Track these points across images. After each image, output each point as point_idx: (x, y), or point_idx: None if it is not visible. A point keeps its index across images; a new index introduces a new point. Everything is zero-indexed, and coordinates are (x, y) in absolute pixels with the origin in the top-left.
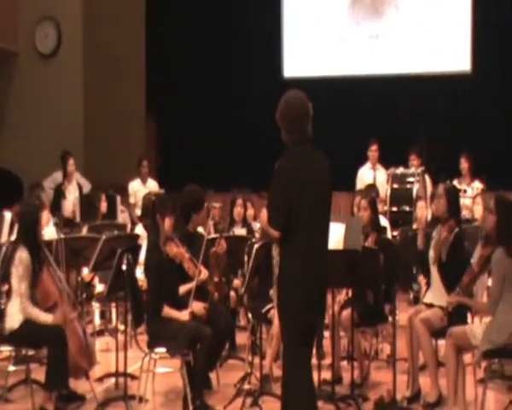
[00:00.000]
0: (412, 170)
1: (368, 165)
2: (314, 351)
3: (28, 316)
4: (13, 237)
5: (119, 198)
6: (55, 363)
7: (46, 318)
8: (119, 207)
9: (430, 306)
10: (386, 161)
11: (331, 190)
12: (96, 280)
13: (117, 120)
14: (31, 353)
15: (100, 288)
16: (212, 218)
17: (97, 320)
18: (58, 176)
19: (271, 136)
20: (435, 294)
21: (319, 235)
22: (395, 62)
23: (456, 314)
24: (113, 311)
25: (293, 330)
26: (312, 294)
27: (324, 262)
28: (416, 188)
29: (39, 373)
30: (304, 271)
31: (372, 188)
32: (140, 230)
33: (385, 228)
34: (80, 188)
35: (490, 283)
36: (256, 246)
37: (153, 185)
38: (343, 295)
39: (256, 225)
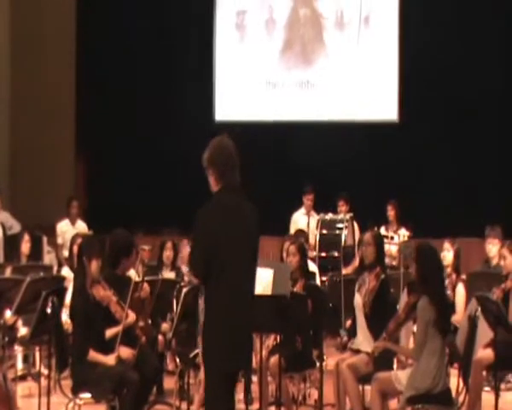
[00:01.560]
0: (341, 216)
1: (302, 210)
2: (242, 396)
3: None
4: None
5: (45, 239)
6: None
7: None
8: (46, 247)
9: (357, 352)
10: (318, 206)
11: (258, 237)
12: (20, 323)
13: (46, 157)
14: None
15: (23, 331)
16: (141, 261)
17: (20, 365)
18: None
19: (203, 178)
20: (362, 340)
21: (243, 281)
22: (325, 109)
23: (382, 360)
24: (37, 355)
25: (216, 376)
26: (236, 340)
27: (248, 308)
28: (344, 234)
29: None
30: (227, 316)
31: (301, 233)
32: (66, 271)
33: (314, 273)
34: (4, 228)
35: (415, 329)
36: (184, 290)
37: (82, 227)
38: (271, 340)
39: (185, 269)
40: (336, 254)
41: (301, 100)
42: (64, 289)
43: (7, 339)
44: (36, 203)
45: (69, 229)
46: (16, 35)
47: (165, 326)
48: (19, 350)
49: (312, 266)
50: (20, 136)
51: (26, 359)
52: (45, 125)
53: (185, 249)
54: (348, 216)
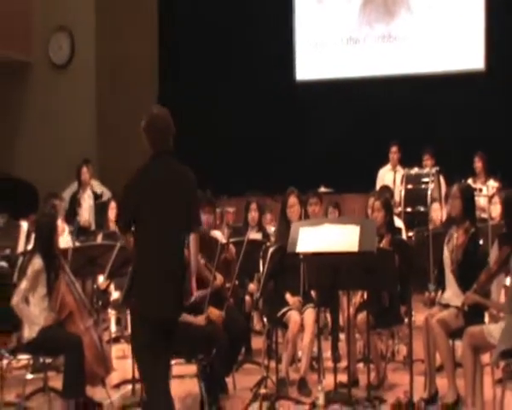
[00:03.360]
0: (426, 170)
1: (388, 166)
2: (329, 354)
3: (18, 312)
4: (29, 247)
5: None
6: (72, 371)
7: (35, 319)
8: None
9: (446, 307)
10: (404, 161)
11: (185, 200)
12: (112, 287)
13: (131, 126)
14: (48, 361)
15: (116, 295)
16: (226, 223)
17: (113, 327)
18: (75, 185)
19: (284, 139)
20: (451, 294)
21: (159, 238)
22: (408, 62)
23: (473, 314)
24: (129, 317)
25: (140, 330)
26: (148, 288)
27: (163, 264)
28: (430, 188)
29: (57, 381)
30: (142, 265)
31: (386, 189)
32: None
33: (400, 229)
34: (95, 196)
35: (507, 282)
36: (271, 250)
37: None
38: (358, 297)
39: (271, 229)
40: (422, 209)
41: (383, 54)
42: None
43: (100, 303)
44: (122, 173)
45: None
46: (100, 8)
47: (252, 287)
48: (112, 313)
49: (398, 222)
50: (106, 106)
51: (119, 322)
52: (129, 96)
53: (268, 210)
54: (434, 170)
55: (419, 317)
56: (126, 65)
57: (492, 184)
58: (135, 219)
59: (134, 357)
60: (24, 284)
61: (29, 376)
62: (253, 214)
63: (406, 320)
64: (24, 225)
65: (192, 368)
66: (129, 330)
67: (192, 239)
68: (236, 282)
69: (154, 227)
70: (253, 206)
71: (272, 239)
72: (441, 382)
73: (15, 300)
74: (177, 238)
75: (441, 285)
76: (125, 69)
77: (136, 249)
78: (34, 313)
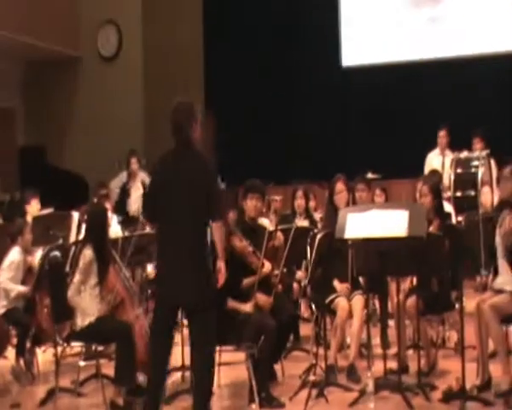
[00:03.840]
0: (476, 154)
1: (436, 150)
2: (378, 341)
3: (73, 304)
4: (80, 237)
5: None
6: (123, 359)
7: (87, 309)
8: None
9: (499, 292)
10: (454, 145)
11: (202, 188)
12: None
13: None
14: (100, 348)
15: None
16: (273, 211)
17: None
18: (124, 176)
19: (332, 126)
20: (504, 280)
21: (177, 226)
22: (456, 44)
23: None
24: None
25: (156, 315)
26: (164, 277)
27: (179, 253)
28: (480, 172)
29: (109, 368)
30: (160, 252)
31: (435, 173)
32: None
33: (449, 214)
34: (144, 186)
35: None
36: (318, 237)
37: None
38: (408, 283)
39: (317, 216)
40: (472, 193)
41: (430, 37)
42: None
43: (149, 292)
44: None
45: None
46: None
47: (299, 274)
48: None
49: (448, 207)
50: (153, 97)
51: None
52: (176, 85)
53: (317, 197)
54: (484, 153)
55: (470, 303)
56: (173, 55)
57: None
58: (156, 210)
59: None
60: (77, 277)
61: (82, 363)
62: (300, 201)
63: (457, 306)
64: (75, 215)
65: (240, 355)
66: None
67: (215, 229)
68: (284, 269)
69: (171, 218)
70: (300, 193)
71: (319, 226)
72: (494, 368)
73: (70, 294)
74: (194, 229)
75: (493, 270)
76: (172, 59)
77: (156, 239)
78: (86, 303)
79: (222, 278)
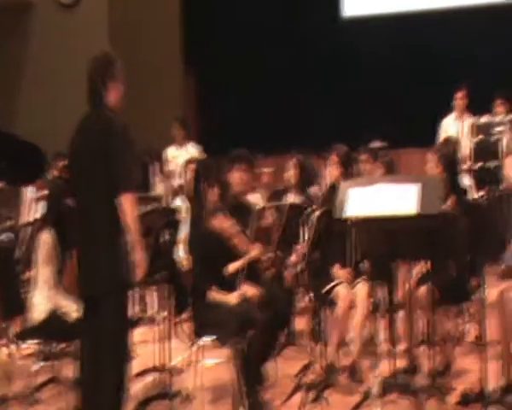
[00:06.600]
0: (499, 118)
1: (453, 115)
2: (386, 335)
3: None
4: (34, 217)
5: (157, 166)
6: None
7: (43, 299)
8: (158, 176)
9: None
10: (473, 108)
11: (103, 154)
12: None
13: (149, 75)
14: (61, 346)
15: None
16: (263, 185)
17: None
18: None
19: (335, 85)
20: None
21: (82, 204)
22: None
23: None
24: (154, 296)
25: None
26: (79, 270)
27: (83, 233)
28: (505, 139)
29: (70, 370)
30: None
31: (448, 142)
32: (180, 202)
33: (465, 189)
34: None
35: None
36: (316, 214)
37: (193, 151)
38: (419, 268)
39: (314, 191)
40: (496, 163)
41: None
42: (177, 223)
43: None
44: (139, 126)
45: (181, 154)
46: None
47: (293, 259)
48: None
49: (467, 180)
50: (119, 50)
51: (142, 300)
52: (148, 36)
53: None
54: (509, 117)
55: (492, 292)
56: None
57: None
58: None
59: None
60: (47, 272)
61: (37, 365)
62: (292, 172)
63: (477, 295)
64: (28, 191)
65: (225, 353)
66: (153, 309)
67: (124, 202)
68: (278, 253)
69: (79, 193)
70: (293, 162)
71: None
72: None
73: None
74: (98, 203)
75: None
76: (143, 6)
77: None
78: (43, 294)
79: (141, 272)
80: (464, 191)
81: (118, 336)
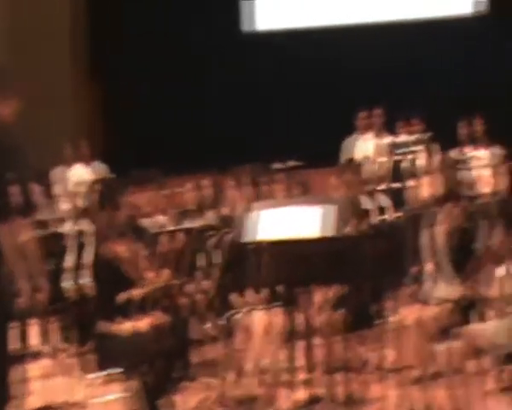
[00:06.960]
0: (413, 138)
1: (357, 135)
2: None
3: None
4: None
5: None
6: None
7: None
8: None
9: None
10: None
11: None
12: None
13: (48, 91)
14: None
15: None
16: (174, 205)
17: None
18: None
19: (237, 106)
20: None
21: None
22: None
23: None
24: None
25: None
26: None
27: None
28: (420, 159)
29: None
30: None
31: (351, 162)
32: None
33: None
34: None
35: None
36: (228, 237)
37: (98, 170)
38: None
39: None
40: (407, 184)
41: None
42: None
43: None
44: (41, 148)
45: (85, 174)
46: None
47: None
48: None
49: (384, 201)
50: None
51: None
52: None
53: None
54: (422, 137)
55: (405, 314)
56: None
57: (497, 152)
58: None
59: None
60: None
61: None
62: (203, 193)
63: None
64: None
65: (118, 387)
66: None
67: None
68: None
69: None
70: (204, 183)
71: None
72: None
73: None
74: None
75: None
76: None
77: None
78: None
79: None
80: (366, 212)
81: None
